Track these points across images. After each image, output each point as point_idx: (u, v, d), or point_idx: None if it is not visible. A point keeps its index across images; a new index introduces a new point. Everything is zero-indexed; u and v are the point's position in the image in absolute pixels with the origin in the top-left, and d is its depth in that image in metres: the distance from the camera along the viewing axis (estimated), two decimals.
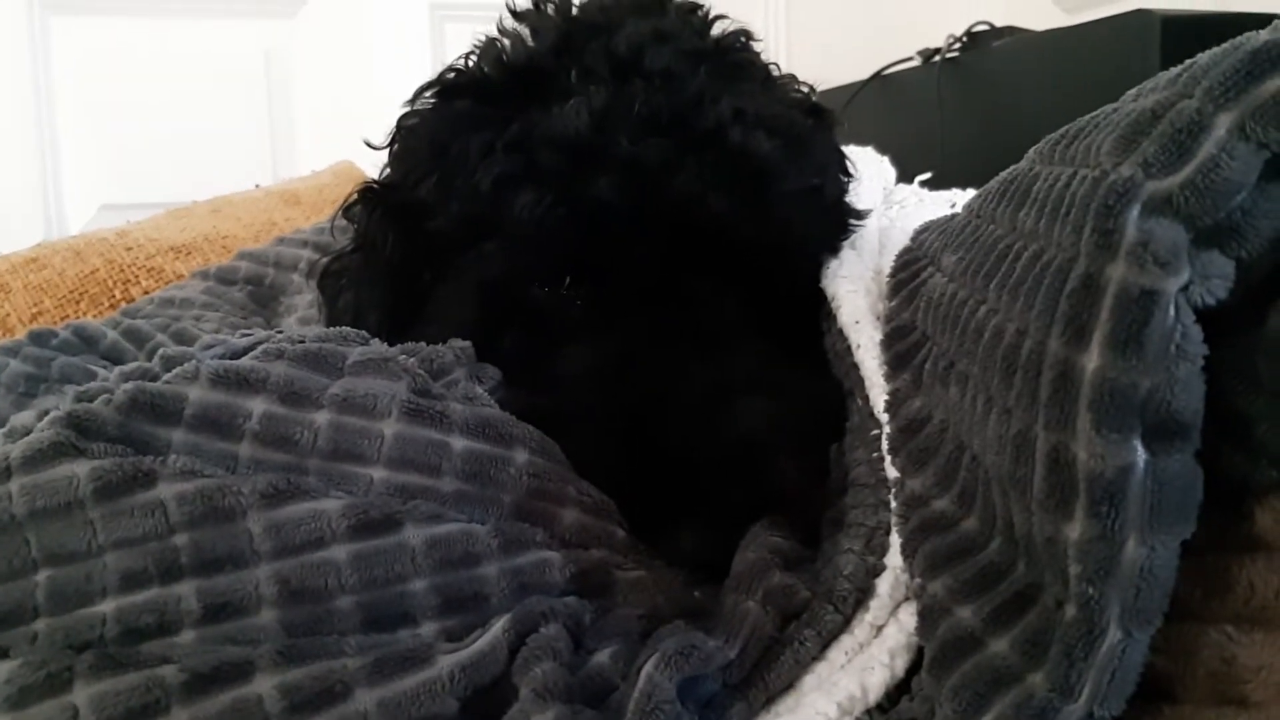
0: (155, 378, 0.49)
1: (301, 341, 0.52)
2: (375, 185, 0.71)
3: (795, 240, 0.61)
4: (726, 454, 0.52)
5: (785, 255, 0.61)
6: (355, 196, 0.72)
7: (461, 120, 0.65)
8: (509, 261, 0.60)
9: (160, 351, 0.54)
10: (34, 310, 0.95)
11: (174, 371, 0.49)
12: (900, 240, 0.59)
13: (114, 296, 0.99)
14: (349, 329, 0.55)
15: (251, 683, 0.40)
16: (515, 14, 0.71)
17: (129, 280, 1.00)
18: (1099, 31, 1.27)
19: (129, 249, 1.04)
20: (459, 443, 0.49)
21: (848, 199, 0.69)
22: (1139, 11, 1.18)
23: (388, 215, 0.68)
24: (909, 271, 0.54)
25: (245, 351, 0.52)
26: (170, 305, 0.81)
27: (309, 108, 1.91)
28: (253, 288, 0.85)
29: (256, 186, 1.35)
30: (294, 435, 0.47)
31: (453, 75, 0.70)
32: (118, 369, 0.53)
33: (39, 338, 0.66)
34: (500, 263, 0.60)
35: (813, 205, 0.63)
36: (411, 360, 0.52)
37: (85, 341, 0.69)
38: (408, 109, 0.71)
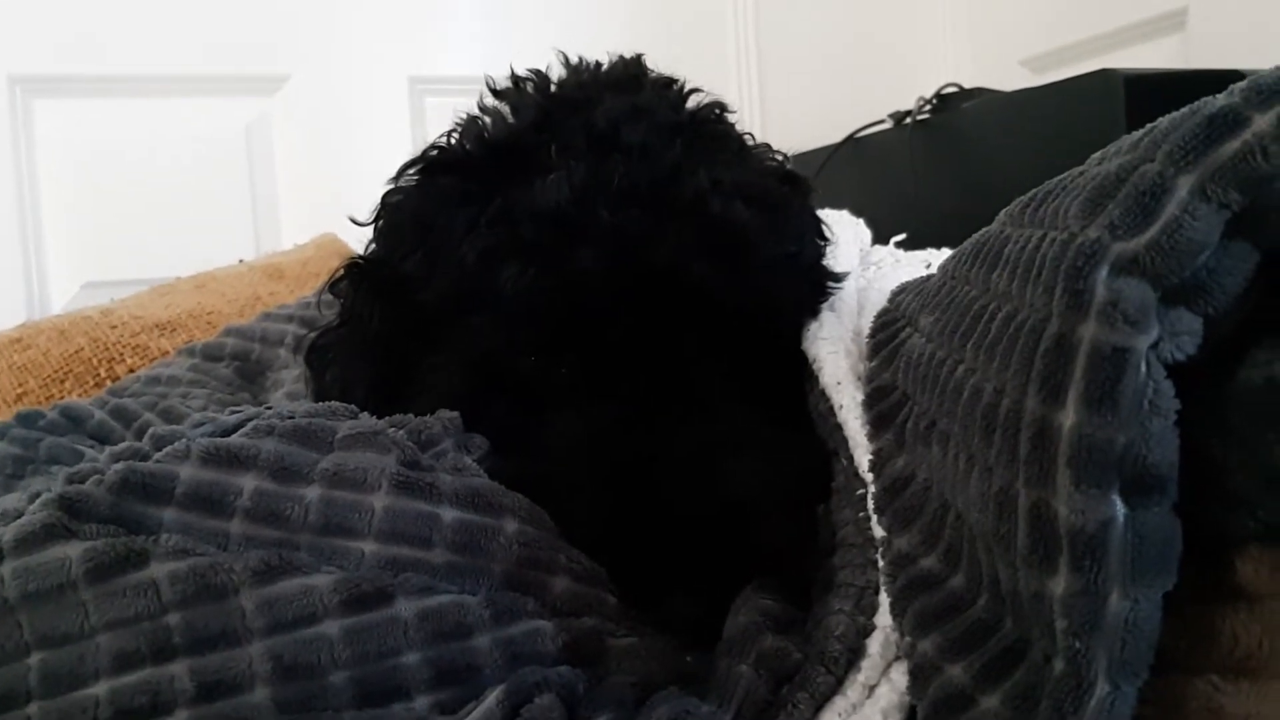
0: (146, 457, 0.50)
1: (291, 417, 0.52)
2: (361, 261, 0.72)
3: (775, 305, 0.62)
4: (715, 516, 0.52)
5: (766, 320, 0.62)
6: (341, 272, 0.72)
7: (445, 196, 0.65)
8: (495, 333, 0.60)
9: (151, 431, 0.54)
10: (19, 390, 0.95)
11: (165, 451, 0.49)
12: (878, 301, 0.60)
13: (99, 375, 0.99)
14: (338, 403, 0.56)
15: None
16: (495, 92, 0.73)
17: (114, 358, 1.00)
18: (1065, 91, 1.30)
19: (114, 327, 1.04)
20: (449, 514, 0.50)
21: (825, 262, 0.70)
22: (1103, 71, 1.21)
23: (374, 290, 0.69)
24: (888, 332, 0.55)
25: (235, 428, 0.53)
26: (157, 383, 0.81)
27: (291, 182, 1.91)
28: (239, 364, 0.85)
29: (240, 261, 1.36)
30: (285, 511, 0.47)
31: (436, 152, 0.71)
32: (108, 449, 0.54)
33: (26, 419, 0.66)
34: (487, 335, 0.61)
35: (791, 270, 0.64)
36: (400, 433, 0.53)
37: (72, 421, 0.69)
38: (392, 185, 0.72)
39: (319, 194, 1.85)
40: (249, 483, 0.48)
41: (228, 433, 0.52)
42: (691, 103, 0.72)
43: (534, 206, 0.59)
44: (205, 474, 0.48)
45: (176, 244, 1.76)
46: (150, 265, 1.64)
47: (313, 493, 0.48)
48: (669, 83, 0.73)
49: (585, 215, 0.59)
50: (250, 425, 0.52)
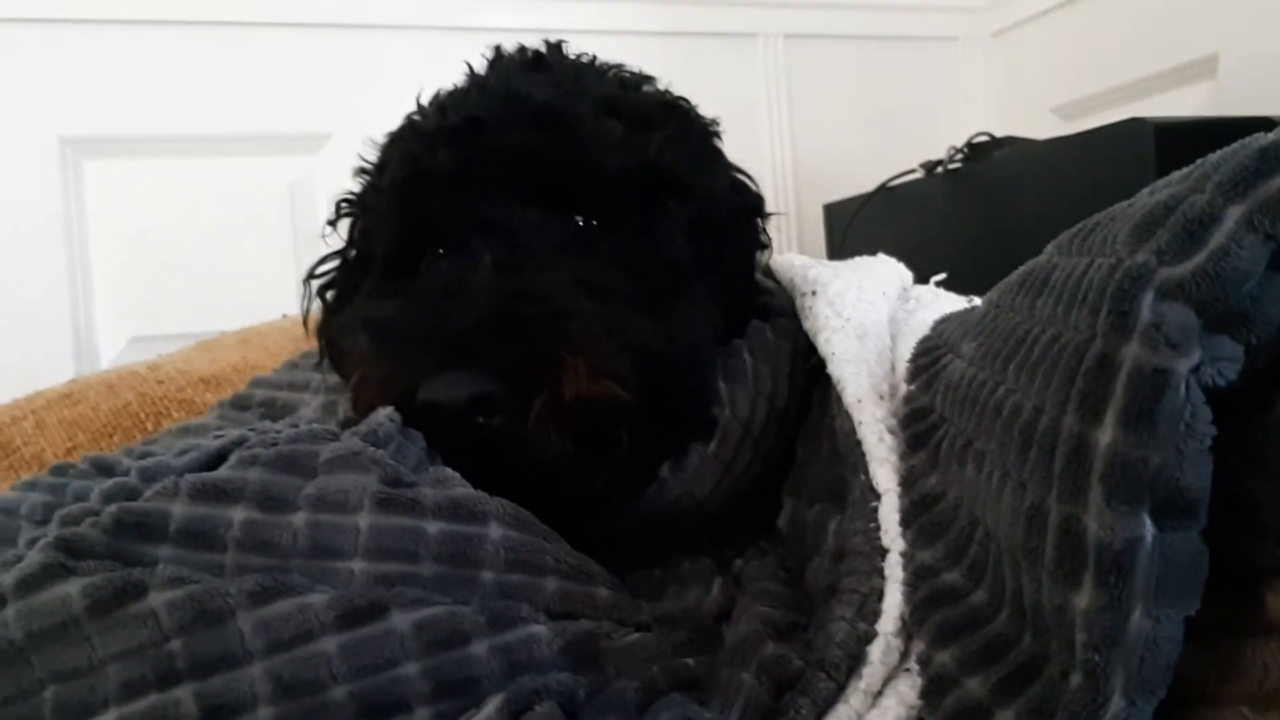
0: (136, 493, 0.51)
1: (274, 444, 0.53)
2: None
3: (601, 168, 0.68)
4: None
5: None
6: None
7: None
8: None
9: (137, 464, 0.56)
10: (68, 445, 0.96)
11: (155, 489, 0.50)
12: (917, 330, 0.61)
13: (146, 429, 0.99)
14: (319, 426, 0.57)
15: None
16: None
17: (160, 413, 1.01)
18: (1096, 140, 1.30)
19: (160, 382, 1.04)
20: (433, 526, 0.50)
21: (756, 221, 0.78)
22: (1133, 120, 1.21)
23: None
24: (929, 358, 0.55)
25: (219, 454, 0.55)
26: (186, 433, 0.81)
27: (333, 237, 1.91)
28: (264, 409, 0.86)
29: (283, 316, 1.34)
30: (275, 539, 0.48)
31: None
32: (98, 488, 0.55)
33: (58, 470, 0.67)
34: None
35: (631, 155, 0.68)
36: (380, 452, 0.53)
37: (102, 471, 0.69)
38: None
39: None
40: (238, 514, 0.49)
41: (212, 460, 0.54)
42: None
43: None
44: (196, 509, 0.49)
45: (222, 299, 1.77)
46: (196, 320, 1.65)
47: (300, 519, 0.49)
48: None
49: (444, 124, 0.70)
50: (235, 457, 0.53)
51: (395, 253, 0.71)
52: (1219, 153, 0.37)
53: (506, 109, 0.68)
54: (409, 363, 0.58)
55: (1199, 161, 0.38)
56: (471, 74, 0.75)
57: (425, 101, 0.76)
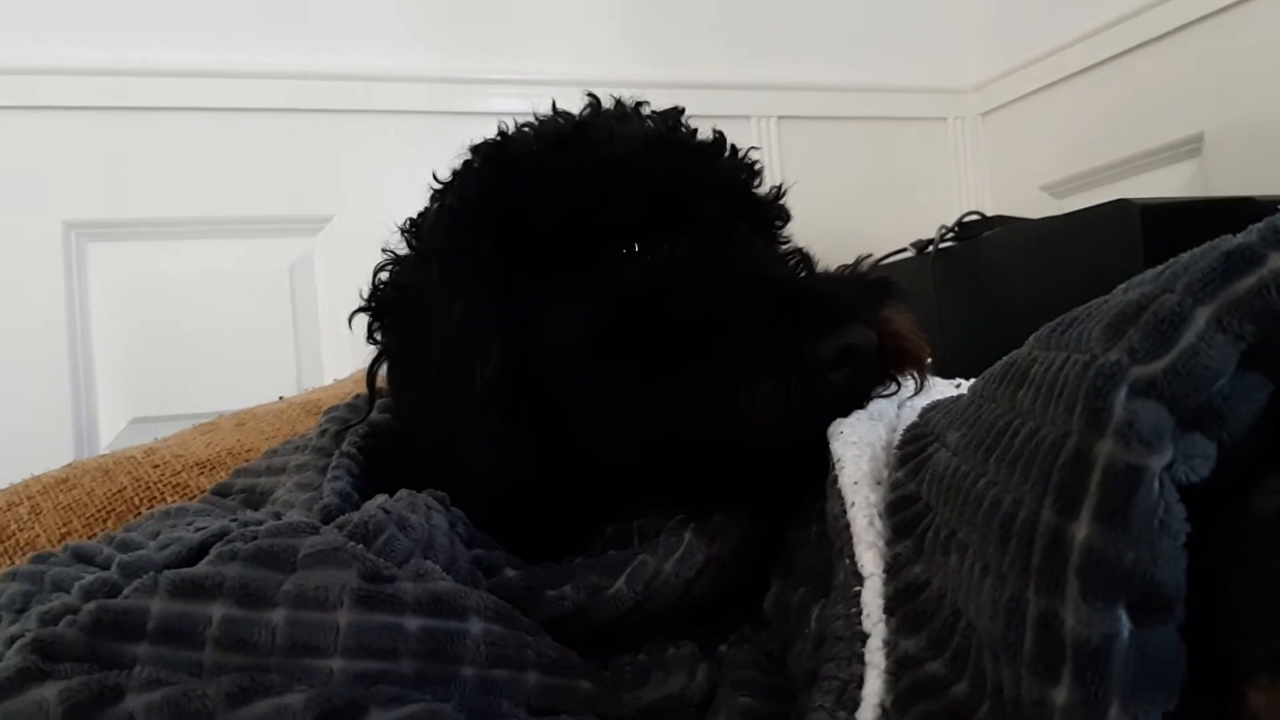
0: (117, 589, 0.51)
1: (255, 538, 0.53)
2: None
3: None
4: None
5: None
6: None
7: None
8: None
9: (118, 559, 0.56)
10: (63, 530, 0.95)
11: (134, 585, 0.50)
12: (909, 417, 0.61)
13: (140, 514, 0.96)
14: (299, 519, 0.57)
15: None
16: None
17: (155, 498, 1.00)
18: (1084, 220, 1.33)
19: (155, 466, 1.04)
20: (413, 623, 0.50)
21: None
22: (1120, 201, 1.24)
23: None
24: (916, 445, 0.55)
25: (201, 547, 0.55)
26: (168, 516, 0.81)
27: (332, 319, 1.92)
28: (245, 495, 0.86)
29: (280, 398, 1.34)
30: (253, 637, 0.48)
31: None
32: (78, 584, 0.54)
33: (38, 559, 0.66)
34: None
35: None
36: (359, 546, 0.53)
37: (81, 560, 0.68)
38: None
39: (360, 330, 1.85)
40: (217, 611, 0.48)
41: (194, 554, 0.54)
42: None
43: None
44: (174, 606, 0.48)
45: (221, 381, 1.82)
46: (195, 401, 1.71)
47: (278, 615, 0.49)
48: None
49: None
50: (215, 551, 0.53)
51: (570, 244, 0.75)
52: (1189, 254, 0.38)
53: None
54: (805, 320, 0.63)
55: (1171, 261, 0.39)
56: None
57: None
